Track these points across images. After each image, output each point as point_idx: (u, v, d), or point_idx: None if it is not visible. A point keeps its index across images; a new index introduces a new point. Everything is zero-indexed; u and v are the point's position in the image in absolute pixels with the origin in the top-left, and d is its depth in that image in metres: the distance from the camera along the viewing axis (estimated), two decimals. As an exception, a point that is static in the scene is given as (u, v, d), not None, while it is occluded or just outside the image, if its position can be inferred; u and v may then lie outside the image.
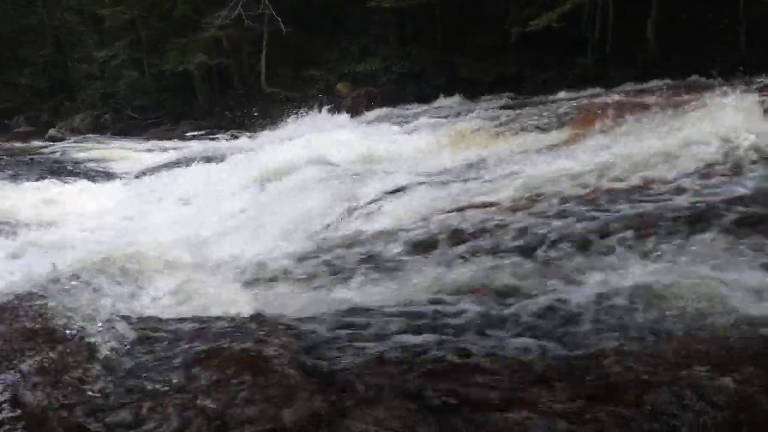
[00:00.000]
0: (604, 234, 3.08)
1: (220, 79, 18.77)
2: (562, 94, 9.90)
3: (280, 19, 15.24)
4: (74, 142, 15.28)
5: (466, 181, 4.64)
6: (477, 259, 3.10)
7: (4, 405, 1.91)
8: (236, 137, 13.48)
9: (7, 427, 1.82)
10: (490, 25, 14.17)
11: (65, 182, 8.32)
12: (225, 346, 2.27)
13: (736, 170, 3.64)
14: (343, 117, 12.05)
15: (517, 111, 7.97)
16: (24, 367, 2.11)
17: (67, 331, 2.39)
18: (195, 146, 11.79)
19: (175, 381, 2.05)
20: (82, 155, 11.79)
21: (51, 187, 7.97)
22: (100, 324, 2.50)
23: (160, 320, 2.68)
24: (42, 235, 5.17)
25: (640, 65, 11.57)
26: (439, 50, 15.10)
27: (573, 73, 12.86)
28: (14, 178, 8.40)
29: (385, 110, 12.53)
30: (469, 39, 14.78)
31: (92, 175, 9.34)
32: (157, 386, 2.04)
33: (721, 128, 4.22)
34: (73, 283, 3.01)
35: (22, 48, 23.64)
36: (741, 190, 3.35)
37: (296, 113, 12.98)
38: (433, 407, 1.84)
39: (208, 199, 6.16)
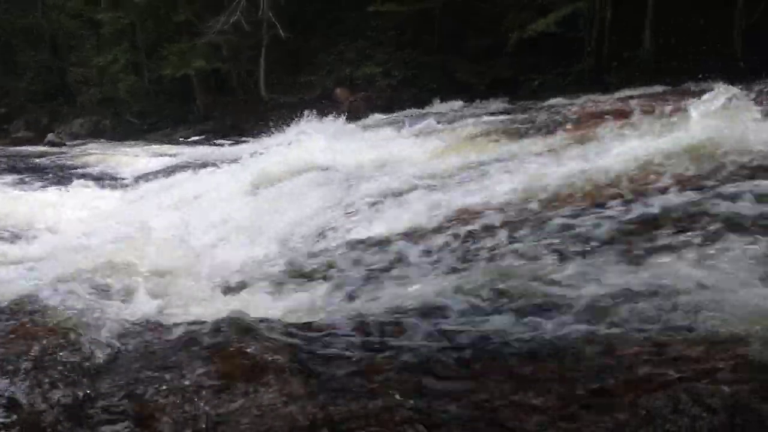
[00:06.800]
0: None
1: (218, 84, 18.82)
2: (555, 100, 9.91)
3: (278, 24, 15.29)
4: (73, 146, 15.29)
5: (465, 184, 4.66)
6: (476, 263, 3.10)
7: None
8: (235, 142, 13.50)
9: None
10: (487, 29, 14.22)
11: (63, 187, 8.32)
12: (220, 351, 2.27)
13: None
14: (342, 122, 12.06)
15: (511, 116, 8.02)
16: (20, 372, 2.11)
17: (63, 336, 2.39)
18: (193, 151, 11.81)
19: (170, 386, 2.05)
20: (80, 160, 11.81)
21: (49, 192, 7.98)
22: (95, 329, 2.50)
23: (155, 325, 2.68)
24: (39, 239, 5.18)
25: (636, 70, 11.60)
26: (436, 54, 15.13)
27: (569, 77, 12.91)
28: (12, 183, 8.40)
29: (383, 116, 12.54)
30: (466, 43, 14.83)
31: (90, 180, 9.33)
32: (152, 391, 2.04)
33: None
34: (69, 288, 3.01)
35: (19, 52, 23.63)
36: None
37: (295, 118, 12.95)
38: (427, 413, 1.84)
39: (205, 203, 6.17)
